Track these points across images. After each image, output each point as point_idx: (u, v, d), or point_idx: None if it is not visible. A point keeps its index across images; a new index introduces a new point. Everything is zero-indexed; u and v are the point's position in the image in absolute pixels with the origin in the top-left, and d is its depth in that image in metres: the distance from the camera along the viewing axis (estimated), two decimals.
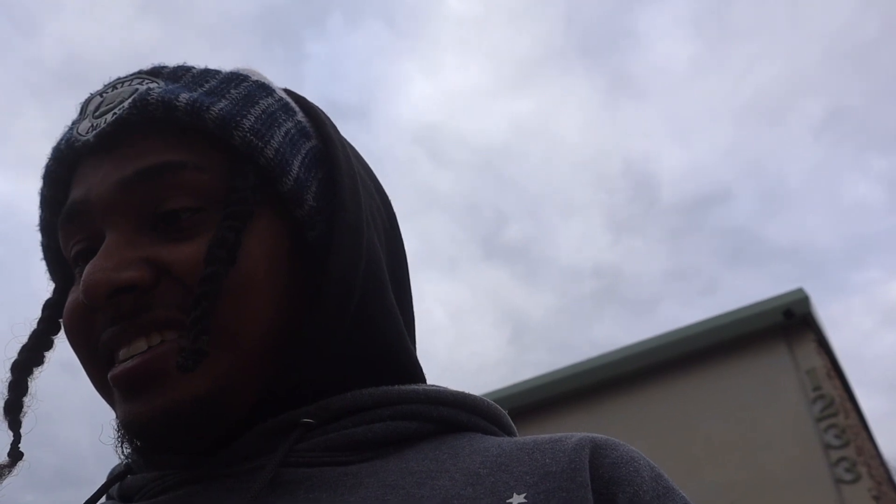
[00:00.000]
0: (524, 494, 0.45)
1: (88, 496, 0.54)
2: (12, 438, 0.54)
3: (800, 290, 6.39)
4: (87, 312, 0.50)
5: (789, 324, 6.33)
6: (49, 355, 0.57)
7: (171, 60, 0.57)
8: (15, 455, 0.54)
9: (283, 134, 0.54)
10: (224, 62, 0.59)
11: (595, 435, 0.50)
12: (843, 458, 5.71)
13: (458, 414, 0.54)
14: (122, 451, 0.52)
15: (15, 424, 0.54)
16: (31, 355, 0.56)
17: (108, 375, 0.49)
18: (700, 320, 6.84)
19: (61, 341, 0.56)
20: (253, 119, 0.52)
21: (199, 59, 0.57)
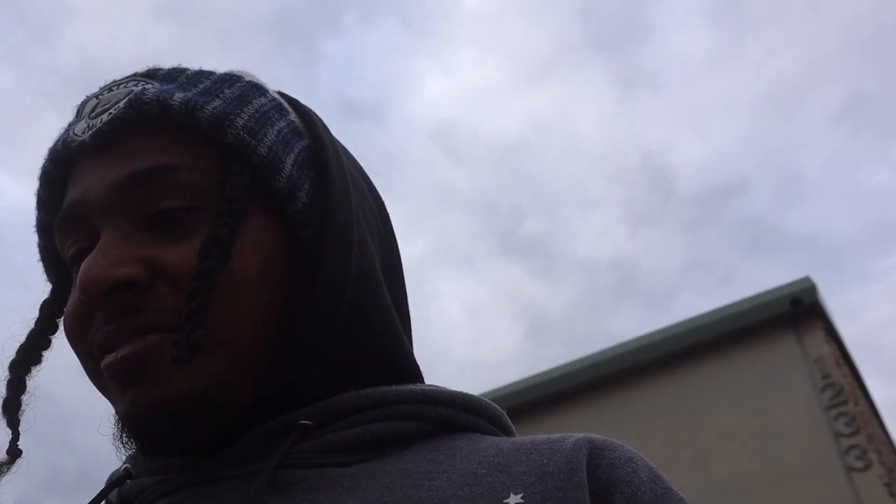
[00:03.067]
0: (521, 495, 0.45)
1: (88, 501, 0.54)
2: (11, 436, 0.54)
3: (807, 279, 6.37)
4: (87, 313, 0.50)
5: (797, 312, 6.31)
6: (46, 354, 0.57)
7: (182, 64, 0.57)
8: (14, 453, 0.54)
9: (276, 132, 0.54)
10: (239, 64, 0.60)
11: (593, 436, 0.50)
12: (853, 446, 5.70)
13: (457, 414, 0.54)
14: (122, 446, 0.52)
15: (13, 422, 0.54)
16: (29, 354, 0.56)
17: (102, 365, 0.49)
18: (707, 311, 6.83)
19: (59, 342, 0.57)
20: (246, 117, 0.53)
21: (214, 61, 0.58)
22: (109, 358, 0.48)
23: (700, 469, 5.83)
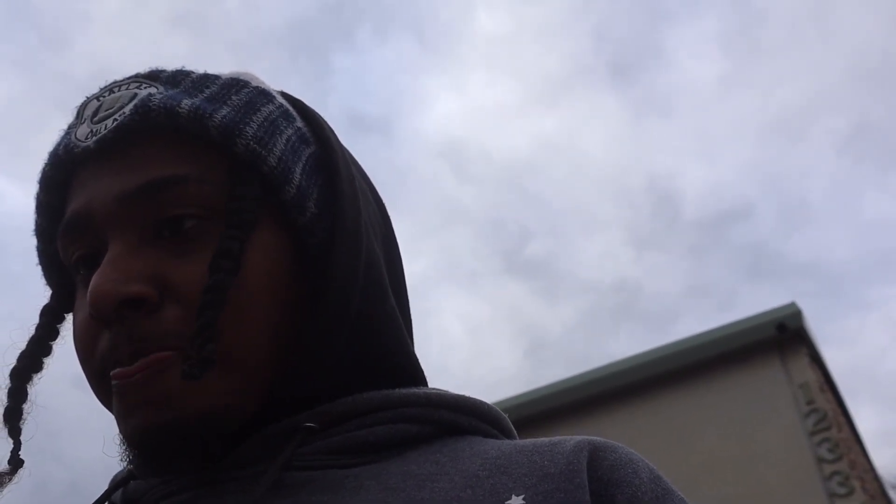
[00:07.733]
0: (523, 496, 0.45)
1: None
2: (12, 446, 0.54)
3: (792, 305, 6.41)
4: (97, 328, 0.49)
5: (782, 338, 6.35)
6: (47, 361, 0.56)
7: (186, 66, 0.57)
8: (15, 462, 0.53)
9: (284, 141, 0.54)
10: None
11: (594, 437, 0.51)
12: (836, 472, 5.72)
13: (459, 417, 0.55)
14: (128, 462, 0.52)
15: (15, 432, 0.54)
16: (30, 361, 0.55)
17: (112, 373, 0.48)
18: (693, 335, 6.85)
19: (59, 348, 0.56)
20: (255, 126, 0.52)
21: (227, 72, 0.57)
22: (119, 370, 0.48)
23: (685, 492, 5.82)
